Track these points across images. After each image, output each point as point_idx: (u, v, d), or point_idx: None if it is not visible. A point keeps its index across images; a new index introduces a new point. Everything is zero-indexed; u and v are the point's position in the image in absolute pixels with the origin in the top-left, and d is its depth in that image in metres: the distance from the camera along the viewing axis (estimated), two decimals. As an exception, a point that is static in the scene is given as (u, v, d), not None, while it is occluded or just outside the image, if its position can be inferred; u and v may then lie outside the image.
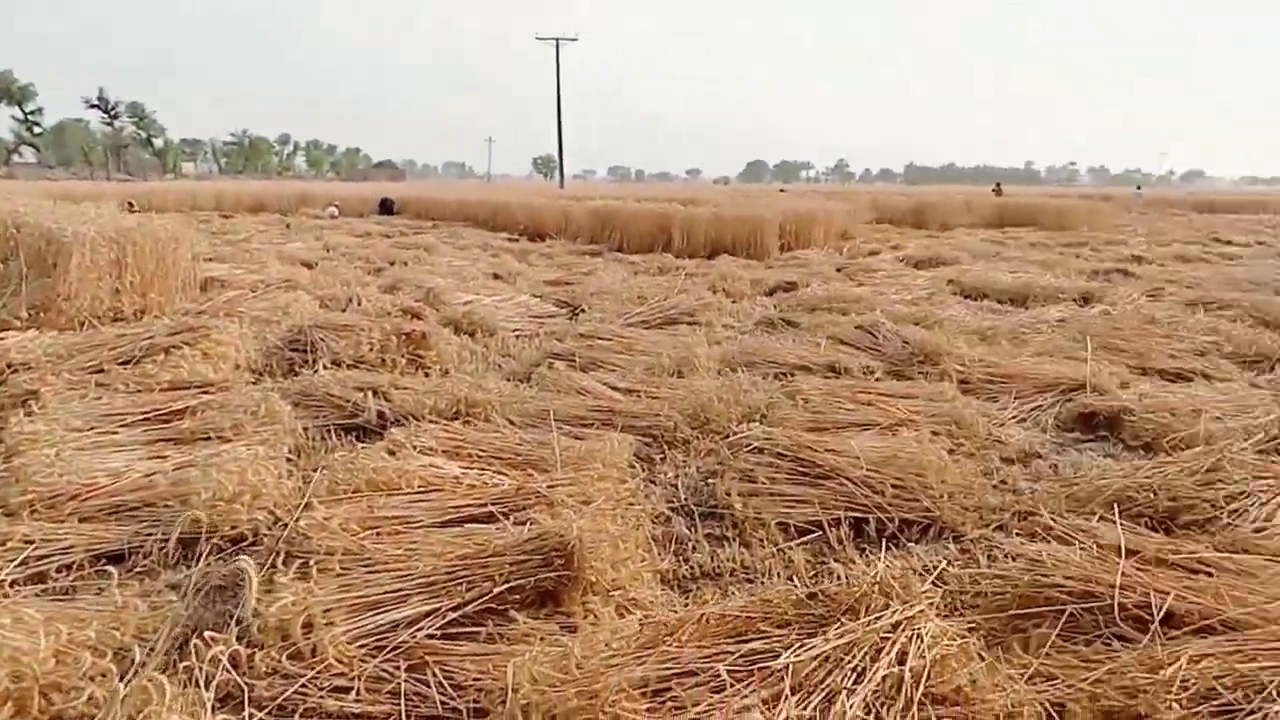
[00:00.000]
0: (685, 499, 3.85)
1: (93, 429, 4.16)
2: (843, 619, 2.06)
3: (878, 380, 5.90)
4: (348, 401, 4.90)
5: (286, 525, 3.10)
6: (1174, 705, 1.95)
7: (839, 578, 2.86)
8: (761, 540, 3.44)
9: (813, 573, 3.19)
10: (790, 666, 1.83)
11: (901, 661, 1.93)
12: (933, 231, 21.76)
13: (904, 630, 2.01)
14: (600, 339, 6.72)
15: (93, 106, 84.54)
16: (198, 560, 3.12)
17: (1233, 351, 6.82)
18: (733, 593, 2.94)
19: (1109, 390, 5.45)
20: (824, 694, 1.81)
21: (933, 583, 2.78)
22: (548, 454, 3.80)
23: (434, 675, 2.26)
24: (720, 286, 10.37)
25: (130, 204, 18.23)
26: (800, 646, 1.97)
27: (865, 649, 1.93)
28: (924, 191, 39.89)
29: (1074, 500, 3.65)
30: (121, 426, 4.22)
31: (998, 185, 38.31)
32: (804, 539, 3.46)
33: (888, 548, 3.40)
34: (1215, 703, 1.97)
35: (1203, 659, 2.12)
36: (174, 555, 3.18)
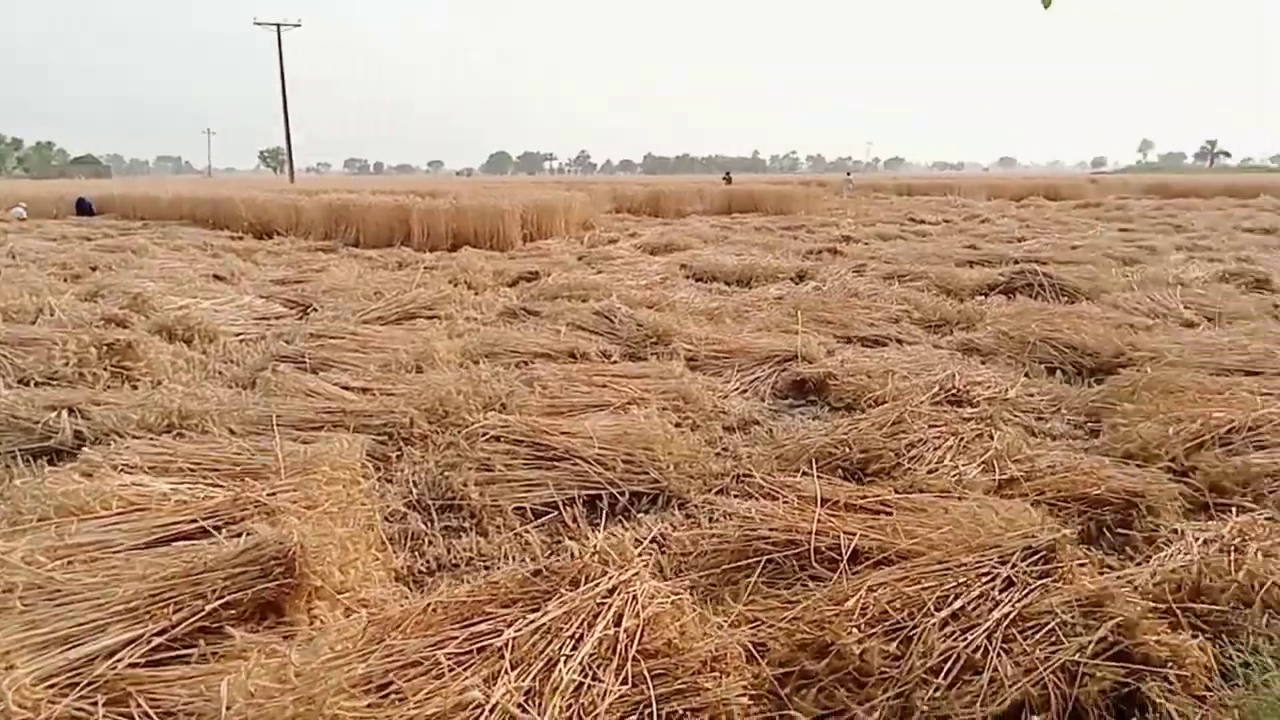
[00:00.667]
0: (422, 494, 3.81)
1: None
2: (564, 590, 2.14)
3: (614, 363, 6.12)
4: (36, 423, 4.40)
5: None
6: (853, 630, 2.20)
7: (570, 552, 2.97)
8: (499, 527, 3.48)
9: (548, 552, 3.27)
10: (511, 642, 1.89)
11: (618, 623, 2.03)
12: (668, 219, 22.69)
13: (619, 594, 2.12)
14: (332, 338, 6.46)
15: None
16: None
17: (920, 318, 7.70)
18: (467, 581, 2.96)
19: (817, 358, 5.98)
20: (544, 663, 1.88)
21: (651, 548, 2.96)
22: (271, 461, 3.62)
23: (139, 706, 2.10)
24: (462, 279, 10.26)
25: None
26: (523, 622, 2.03)
27: (583, 616, 2.02)
28: (660, 181, 41.48)
29: (784, 460, 3.99)
30: None
31: (728, 174, 40.62)
32: (540, 521, 3.54)
33: (618, 520, 3.56)
34: (887, 624, 2.25)
35: (879, 588, 2.41)
36: None
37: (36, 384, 5.27)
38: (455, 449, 4.26)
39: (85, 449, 3.91)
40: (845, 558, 2.64)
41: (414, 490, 3.86)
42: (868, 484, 3.57)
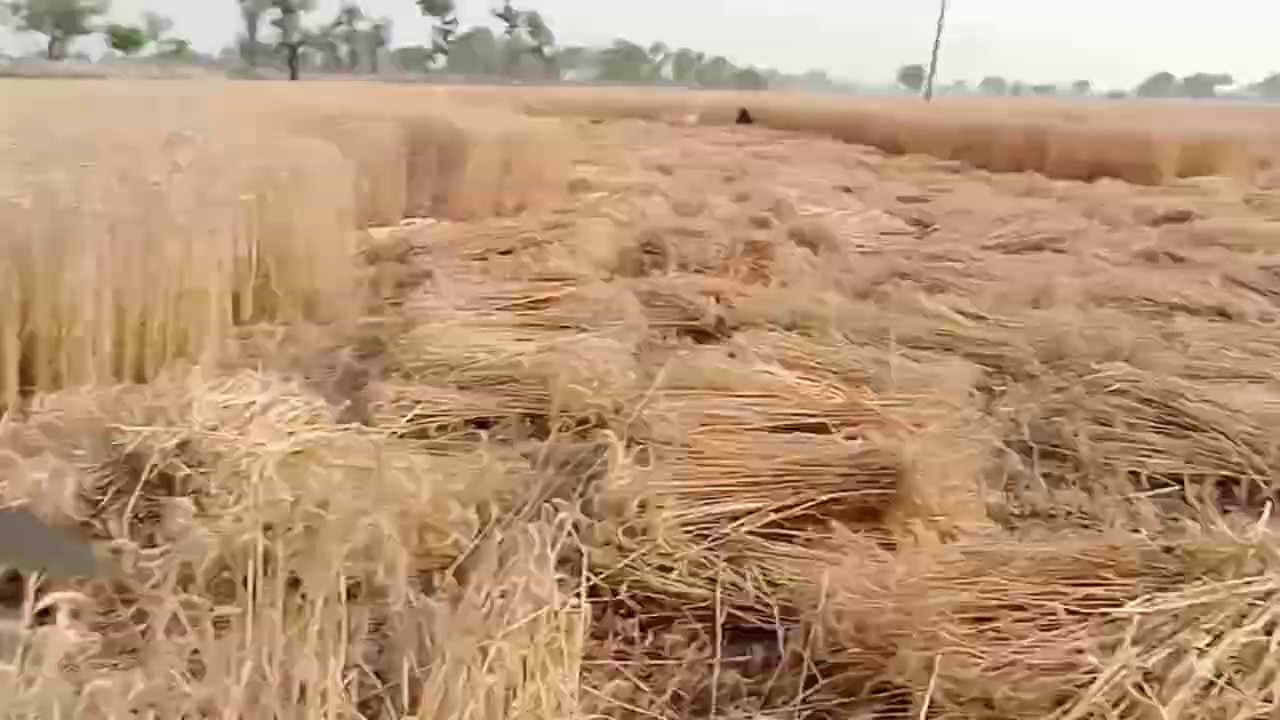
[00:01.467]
0: (1023, 435, 3.59)
1: (475, 309, 4.72)
2: (1205, 578, 1.84)
3: (1277, 329, 5.05)
4: (690, 304, 5.11)
5: (630, 413, 3.34)
6: None
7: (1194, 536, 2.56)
8: (1106, 487, 3.14)
9: (1161, 528, 2.86)
10: (1135, 617, 1.68)
11: (1269, 632, 1.69)
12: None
13: (1277, 599, 1.75)
14: (950, 260, 6.37)
15: (499, 16, 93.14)
16: (548, 435, 3.47)
17: None
18: (1067, 536, 2.73)
19: None
20: (1170, 650, 1.64)
21: None
22: (883, 373, 3.72)
23: (751, 570, 2.35)
24: (1097, 212, 9.31)
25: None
26: (1149, 599, 1.79)
27: (1227, 613, 1.71)
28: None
29: None
30: (497, 309, 4.74)
31: None
32: (1156, 492, 3.11)
33: (1255, 512, 2.96)
34: None
35: None
36: (529, 428, 3.57)
37: (694, 271, 6.10)
38: (1067, 395, 3.92)
39: (729, 334, 4.45)
40: None
41: (1015, 429, 3.65)
42: None
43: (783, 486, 2.58)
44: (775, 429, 3.05)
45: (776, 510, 2.55)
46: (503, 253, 6.16)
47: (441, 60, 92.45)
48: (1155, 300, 5.62)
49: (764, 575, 2.35)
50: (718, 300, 5.12)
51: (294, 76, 59.62)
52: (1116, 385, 3.71)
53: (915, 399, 3.39)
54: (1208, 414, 3.43)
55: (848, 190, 10.98)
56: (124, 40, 62.42)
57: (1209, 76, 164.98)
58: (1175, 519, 2.93)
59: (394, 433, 3.29)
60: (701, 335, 4.84)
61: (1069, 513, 3.02)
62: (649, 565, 2.36)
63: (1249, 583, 1.78)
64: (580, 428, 3.52)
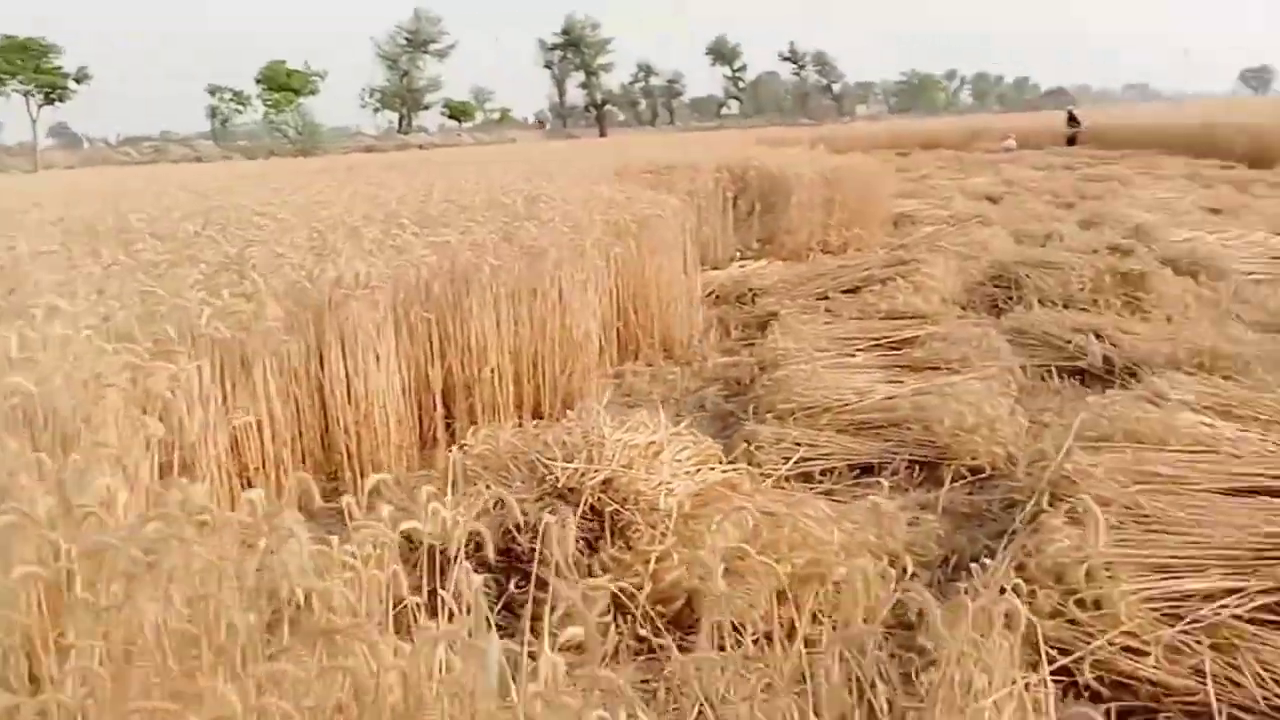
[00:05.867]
0: None
1: (831, 349, 4.60)
2: None
3: None
4: (1066, 342, 4.66)
5: (1031, 465, 3.03)
6: None
7: None
8: None
9: None
10: None
11: None
12: None
13: None
14: (1386, 287, 5.33)
15: (785, 59, 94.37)
16: (939, 484, 3.23)
17: None
18: None
19: None
20: None
21: None
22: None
23: (1247, 661, 1.98)
24: None
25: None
26: None
27: None
28: None
29: None
30: (855, 350, 4.58)
31: None
32: None
33: None
34: None
35: None
36: (918, 476, 3.36)
37: (1056, 306, 5.57)
38: None
39: (1119, 376, 3.97)
40: None
41: None
42: None
43: (1269, 563, 2.17)
44: (1231, 491, 2.61)
45: (1264, 592, 2.14)
46: (845, 291, 6.00)
47: (734, 106, 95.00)
48: None
49: (1264, 669, 1.97)
50: (1099, 337, 4.61)
51: (602, 133, 63.93)
52: None
53: None
54: None
55: (1216, 211, 9.69)
56: (457, 112, 70.40)
57: None
58: None
59: (781, 475, 3.23)
60: (1085, 377, 4.37)
61: None
62: (1113, 645, 2.07)
63: None
64: (975, 477, 3.26)
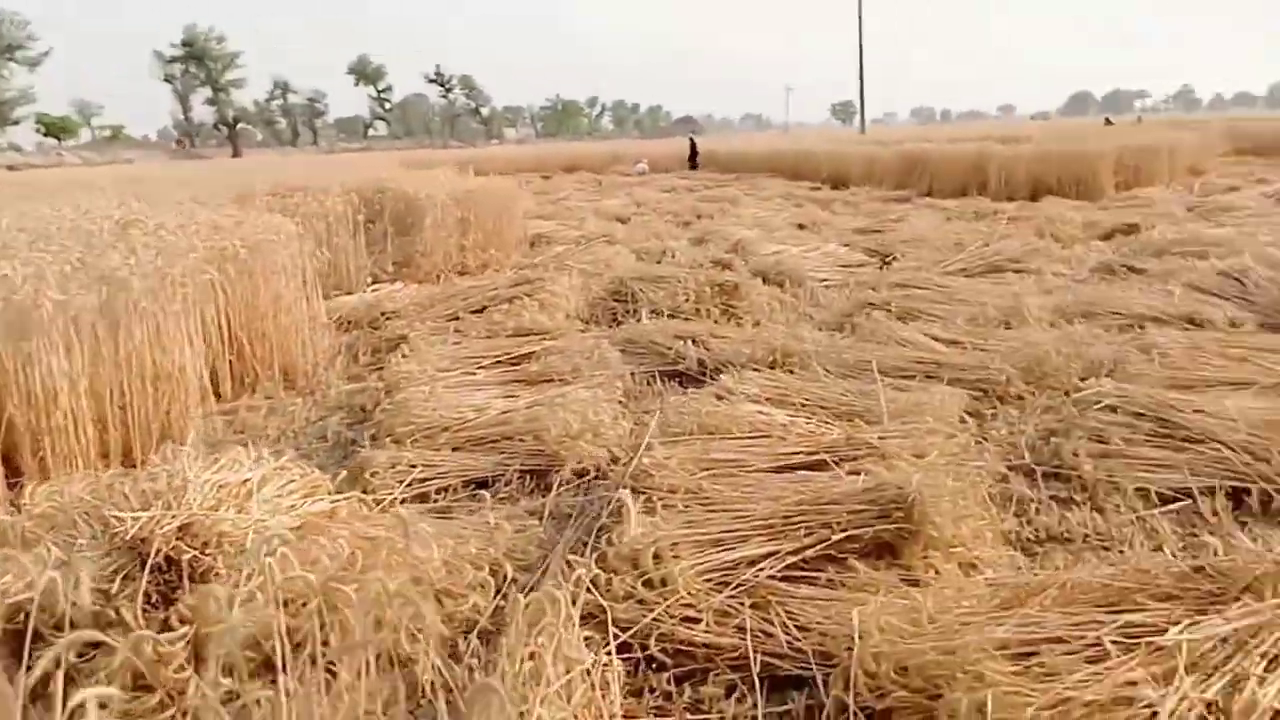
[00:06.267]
0: (1023, 457, 3.61)
1: (455, 370, 4.67)
2: (1246, 599, 1.84)
3: (1249, 334, 5.17)
4: (669, 349, 5.11)
5: (628, 463, 3.30)
6: None
7: (1216, 552, 2.57)
8: (1118, 506, 3.16)
9: (1182, 545, 2.88)
10: (1183, 645, 1.67)
11: (1324, 652, 1.68)
12: (1311, 161, 18.52)
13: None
14: (916, 288, 6.45)
15: (431, 81, 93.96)
16: (549, 490, 3.42)
17: None
18: (1087, 559, 2.74)
19: None
20: (1227, 678, 1.63)
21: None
22: (872, 405, 3.73)
23: (778, 615, 2.31)
24: (1047, 230, 9.54)
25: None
26: (1193, 624, 1.78)
27: (1277, 635, 1.70)
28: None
29: None
30: (478, 368, 4.70)
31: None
32: (1168, 507, 3.13)
33: (1275, 521, 2.99)
34: None
35: None
36: (530, 484, 3.52)
37: (666, 316, 6.11)
38: (1056, 414, 3.96)
39: (711, 376, 4.44)
40: None
41: (1014, 452, 3.67)
42: None
43: (795, 528, 2.56)
44: (777, 469, 3.03)
45: (793, 552, 2.52)
46: (474, 311, 6.11)
47: (382, 127, 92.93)
48: (1124, 313, 5.72)
49: (791, 620, 2.31)
50: (695, 343, 5.12)
51: (236, 153, 59.40)
52: (1106, 401, 3.76)
53: (910, 429, 3.40)
54: (1204, 424, 3.47)
55: (802, 227, 11.14)
56: (55, 128, 61.96)
57: (1127, 92, 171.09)
58: (1194, 535, 2.95)
59: (395, 499, 3.23)
60: (684, 379, 4.83)
61: (1085, 535, 3.02)
62: (673, 617, 2.32)
63: (1290, 603, 1.78)
64: (581, 480, 3.48)
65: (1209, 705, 1.56)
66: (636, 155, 28.67)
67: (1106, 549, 2.88)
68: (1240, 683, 1.58)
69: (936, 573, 2.52)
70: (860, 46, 47.99)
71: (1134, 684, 1.60)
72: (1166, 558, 2.19)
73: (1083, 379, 4.30)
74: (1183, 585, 1.97)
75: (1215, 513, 3.05)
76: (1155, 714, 1.54)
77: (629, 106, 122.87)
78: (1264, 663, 1.63)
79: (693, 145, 28.07)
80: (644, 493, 2.88)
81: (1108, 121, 31.64)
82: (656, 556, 2.48)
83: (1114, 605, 1.94)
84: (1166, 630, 1.75)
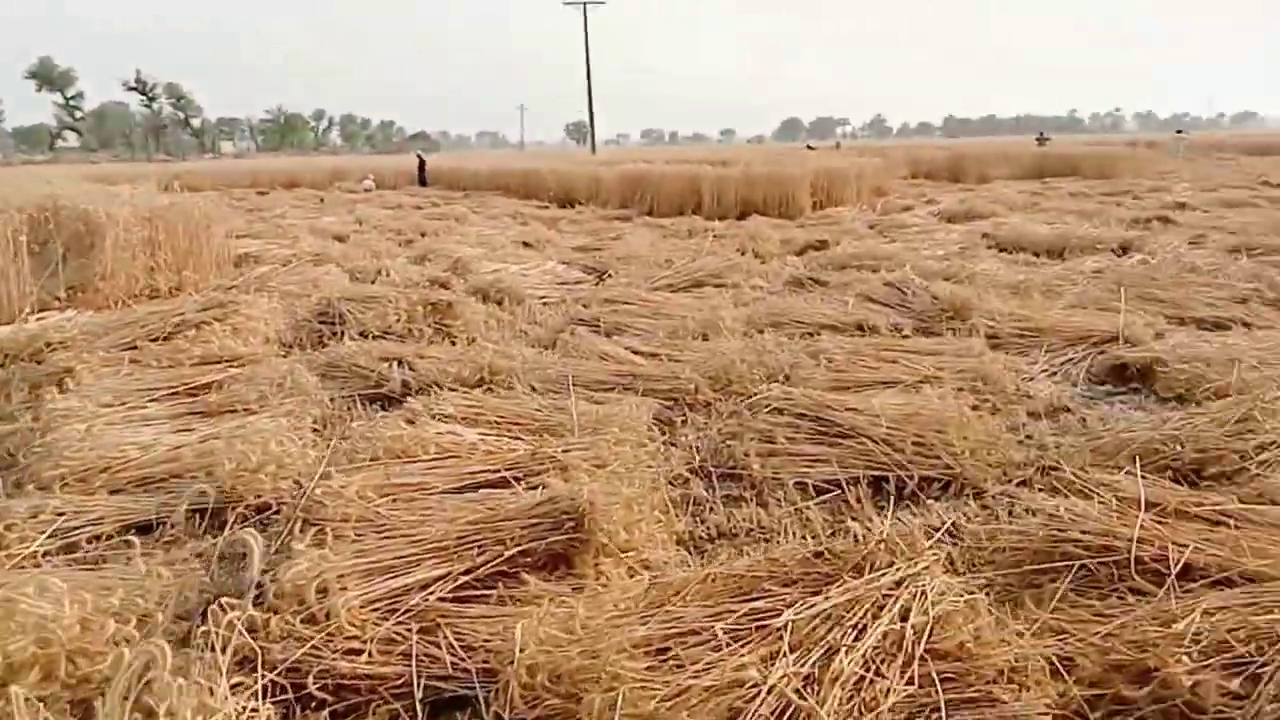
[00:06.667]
0: (704, 461, 3.84)
1: (124, 404, 4.25)
2: (848, 577, 2.05)
3: (905, 337, 5.84)
4: (373, 372, 4.95)
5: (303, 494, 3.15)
6: (1184, 658, 1.91)
7: (854, 536, 2.86)
8: (779, 500, 3.43)
9: (829, 531, 3.17)
10: (790, 624, 1.83)
11: (904, 619, 1.91)
12: (969, 185, 21.32)
13: (907, 587, 1.99)
14: (625, 303, 6.71)
15: (131, 89, 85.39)
16: (223, 529, 3.19)
17: (1276, 298, 6.61)
18: (747, 552, 2.95)
19: (1142, 341, 5.33)
20: (823, 650, 1.80)
21: (945, 540, 2.77)
22: (567, 419, 3.82)
23: (445, 637, 2.29)
24: (749, 247, 10.29)
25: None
26: (804, 604, 1.96)
27: (867, 606, 1.92)
28: (961, 144, 39.10)
29: (1099, 454, 3.59)
30: (151, 401, 4.31)
31: (1042, 135, 37.38)
32: (822, 498, 3.45)
33: (906, 505, 3.38)
34: (1226, 656, 1.94)
35: (1217, 612, 2.08)
36: (201, 525, 3.26)
37: (375, 337, 5.92)
38: (738, 418, 4.26)
39: (407, 398, 4.35)
40: (1174, 572, 2.31)
41: (697, 456, 3.90)
42: (1203, 489, 3.11)
43: (469, 547, 2.55)
44: (460, 489, 3.02)
45: (465, 572, 2.51)
46: (158, 339, 5.60)
47: (72, 138, 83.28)
48: (805, 321, 6.27)
49: (459, 641, 2.30)
50: (402, 364, 5.00)
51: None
52: (775, 404, 4.08)
53: (596, 440, 3.51)
54: (854, 421, 3.86)
55: (527, 245, 11.25)
56: None
57: (830, 120, 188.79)
58: (841, 521, 3.26)
59: (33, 553, 2.87)
60: (388, 402, 4.70)
61: (749, 530, 3.25)
62: (335, 651, 2.23)
63: (882, 575, 2.00)
64: (261, 515, 3.27)
65: (806, 678, 1.72)
66: (363, 171, 27.70)
67: (767, 540, 3.12)
68: (833, 654, 1.75)
69: (606, 579, 2.60)
70: (588, 68, 49.31)
71: (744, 667, 1.73)
72: (796, 545, 2.39)
73: (764, 384, 4.65)
74: (805, 570, 2.16)
75: (859, 500, 3.40)
76: (761, 691, 1.68)
77: (359, 121, 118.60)
78: (854, 633, 1.82)
79: (421, 162, 27.61)
80: (317, 524, 2.75)
81: (810, 147, 34.62)
82: (322, 590, 2.38)
83: (746, 594, 2.09)
84: (782, 613, 1.91)
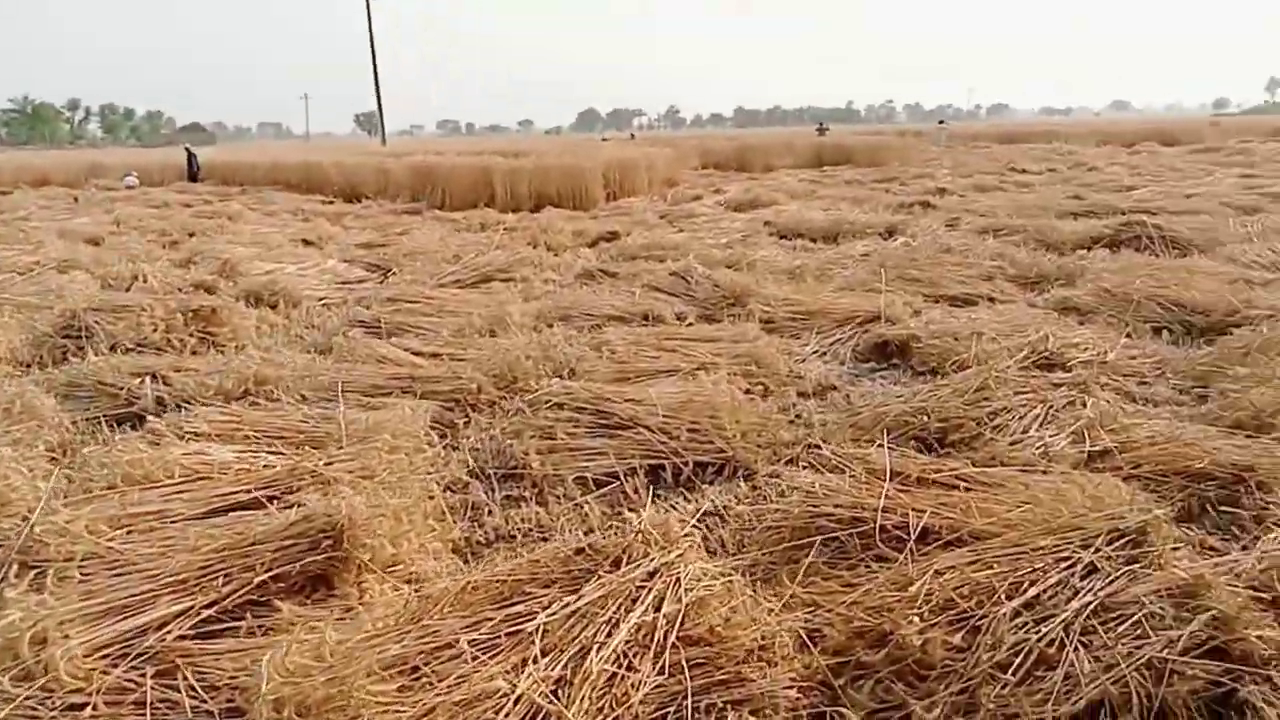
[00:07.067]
0: (485, 462, 3.77)
1: None
2: (603, 572, 2.05)
3: (689, 325, 5.99)
4: (122, 389, 4.53)
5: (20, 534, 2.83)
6: (915, 619, 2.05)
7: (617, 532, 2.90)
8: (559, 497, 3.42)
9: (607, 523, 3.19)
10: (543, 627, 1.80)
11: (658, 608, 1.93)
12: (755, 174, 22.22)
13: (661, 577, 2.02)
14: (408, 302, 6.49)
15: None
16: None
17: (1016, 274, 7.28)
18: (522, 554, 2.91)
19: (901, 319, 5.72)
20: (577, 650, 1.79)
21: (707, 522, 2.86)
22: (335, 429, 3.63)
23: (185, 678, 2.11)
24: (541, 240, 10.25)
25: None
26: (560, 605, 1.95)
27: (621, 600, 1.92)
28: (748, 135, 40.75)
29: (858, 429, 3.81)
30: None
31: (822, 125, 39.52)
32: (601, 491, 3.46)
33: (680, 491, 3.46)
34: (953, 612, 2.09)
35: (946, 572, 2.25)
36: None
37: (126, 351, 5.43)
38: (520, 416, 4.21)
39: (162, 415, 4.00)
40: (913, 538, 2.48)
41: (478, 458, 3.82)
42: (945, 456, 3.37)
43: (213, 577, 2.37)
44: (207, 514, 2.80)
45: (210, 605, 2.33)
46: None
47: None
48: (594, 314, 6.30)
49: (201, 681, 2.12)
50: (156, 379, 4.60)
51: None
52: (555, 400, 4.06)
53: (366, 450, 3.36)
54: (632, 412, 3.90)
55: (307, 243, 10.70)
56: None
57: (627, 111, 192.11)
58: (619, 512, 3.28)
59: None
60: (140, 422, 4.30)
61: (528, 530, 3.22)
62: (54, 708, 2.00)
63: (636, 566, 2.02)
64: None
65: (558, 681, 1.70)
66: (126, 167, 25.40)
67: (546, 539, 3.10)
68: (586, 653, 1.75)
69: (370, 597, 2.49)
70: (374, 55, 47.36)
71: (493, 678, 1.69)
72: (558, 545, 2.37)
73: (551, 380, 4.62)
74: (566, 568, 2.15)
75: (636, 490, 3.44)
76: (509, 701, 1.64)
77: (122, 112, 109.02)
78: (608, 629, 1.82)
79: (191, 156, 25.66)
80: (37, 566, 2.47)
81: (604, 139, 35.03)
82: (40, 640, 2.14)
83: (506, 600, 2.05)
84: (537, 616, 1.89)
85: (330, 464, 3.11)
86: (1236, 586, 2.33)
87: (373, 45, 46.74)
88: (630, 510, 3.24)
